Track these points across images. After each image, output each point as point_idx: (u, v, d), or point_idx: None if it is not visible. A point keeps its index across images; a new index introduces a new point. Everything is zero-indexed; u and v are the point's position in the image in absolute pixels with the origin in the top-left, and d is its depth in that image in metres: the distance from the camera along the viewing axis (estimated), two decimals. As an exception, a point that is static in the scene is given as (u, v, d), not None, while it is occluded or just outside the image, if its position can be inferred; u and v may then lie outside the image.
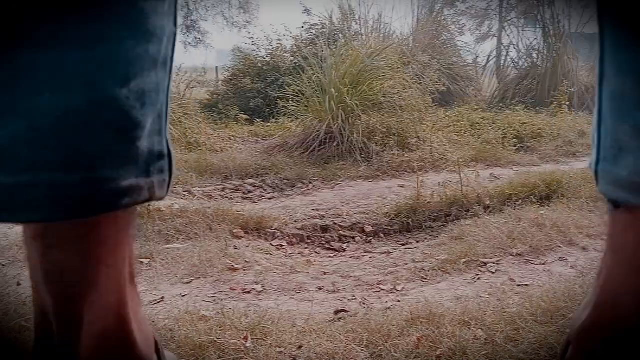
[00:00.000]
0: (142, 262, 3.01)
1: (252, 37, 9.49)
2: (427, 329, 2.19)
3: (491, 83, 11.71)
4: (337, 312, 2.45)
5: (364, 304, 2.59)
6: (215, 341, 2.03)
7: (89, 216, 0.55)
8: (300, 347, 2.09)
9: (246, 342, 2.06)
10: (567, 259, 3.07)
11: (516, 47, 11.38)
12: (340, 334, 2.18)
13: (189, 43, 12.97)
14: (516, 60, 11.24)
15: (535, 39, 11.08)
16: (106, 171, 0.55)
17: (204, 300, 2.56)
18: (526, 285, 2.70)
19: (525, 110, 8.03)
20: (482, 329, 2.19)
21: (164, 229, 3.44)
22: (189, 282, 2.80)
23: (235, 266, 3.02)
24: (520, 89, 10.19)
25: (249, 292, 2.71)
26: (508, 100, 9.54)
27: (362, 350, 2.07)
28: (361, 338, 2.14)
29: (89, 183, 0.54)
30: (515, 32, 11.69)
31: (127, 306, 0.62)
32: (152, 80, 0.58)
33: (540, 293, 2.53)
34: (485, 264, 3.02)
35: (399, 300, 2.61)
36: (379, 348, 2.09)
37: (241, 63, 9.51)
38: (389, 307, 2.49)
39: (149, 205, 3.58)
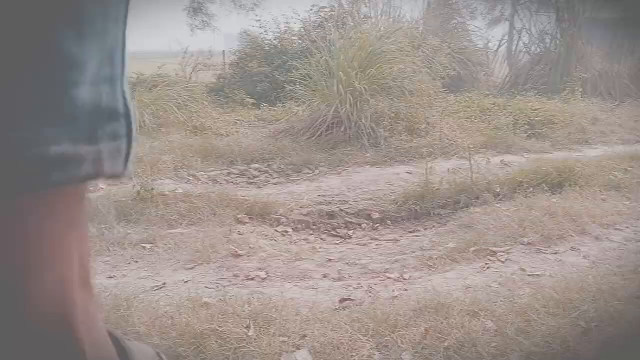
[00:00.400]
0: (144, 247, 2.96)
1: (260, 20, 9.37)
2: (435, 319, 2.13)
3: (502, 68, 11.51)
4: (342, 300, 2.39)
5: (370, 292, 2.53)
6: (217, 329, 1.98)
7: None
8: (304, 336, 2.03)
9: (248, 330, 2.01)
10: (579, 249, 2.98)
11: (528, 32, 11.15)
12: (345, 323, 2.12)
13: (196, 26, 12.79)
14: (528, 45, 11.01)
15: (549, 23, 10.82)
16: (24, 131, 0.36)
17: (206, 287, 2.51)
18: (537, 275, 2.62)
19: (537, 96, 7.86)
20: (491, 320, 2.12)
21: (167, 213, 3.39)
22: (191, 268, 2.76)
23: (239, 252, 2.97)
24: (532, 75, 9.99)
25: (252, 279, 2.66)
26: (520, 86, 9.36)
27: (367, 340, 2.01)
28: (367, 327, 2.08)
29: None
30: (528, 16, 11.43)
31: (75, 318, 0.45)
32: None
33: (552, 283, 2.45)
34: (495, 252, 2.95)
35: (406, 289, 2.54)
36: (385, 338, 2.03)
37: (248, 46, 9.38)
38: (395, 296, 2.43)
39: (152, 188, 3.53)
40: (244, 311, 2.15)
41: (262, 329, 2.02)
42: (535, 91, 8.16)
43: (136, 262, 2.80)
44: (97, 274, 2.66)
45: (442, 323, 2.08)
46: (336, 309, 2.30)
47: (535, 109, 6.89)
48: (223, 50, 10.94)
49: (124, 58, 0.45)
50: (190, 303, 2.23)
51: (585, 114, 6.99)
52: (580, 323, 2.07)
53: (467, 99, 7.51)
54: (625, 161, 4.64)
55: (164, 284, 2.54)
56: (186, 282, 2.58)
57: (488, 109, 6.99)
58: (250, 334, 1.99)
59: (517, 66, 10.87)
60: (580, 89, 8.01)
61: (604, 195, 3.86)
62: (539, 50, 10.86)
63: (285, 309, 2.20)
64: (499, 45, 11.68)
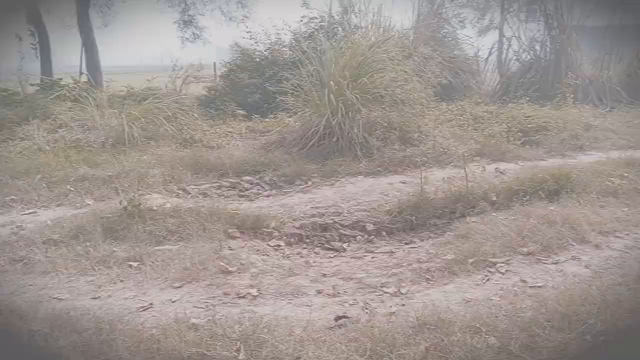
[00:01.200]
0: (130, 265, 2.84)
1: (250, 32, 9.30)
2: (435, 337, 2.03)
3: (493, 76, 11.50)
4: (337, 318, 2.29)
5: (366, 308, 2.42)
6: (206, 354, 1.87)
7: None
8: (298, 358, 1.92)
9: (239, 354, 1.90)
10: (580, 258, 2.90)
11: (518, 40, 11.16)
12: (341, 343, 2.01)
13: (186, 38, 12.75)
14: (518, 53, 11.02)
15: (538, 30, 10.84)
16: None
17: (195, 307, 2.39)
18: (539, 286, 2.53)
19: (529, 103, 7.84)
20: (494, 336, 2.03)
21: (155, 229, 3.27)
22: (180, 287, 2.64)
23: (230, 268, 2.86)
24: (523, 82, 9.98)
25: (243, 297, 2.54)
26: (511, 94, 9.33)
27: (365, 361, 1.91)
28: (364, 347, 1.98)
29: None
30: (517, 24, 11.46)
31: None
32: None
33: (555, 295, 2.36)
34: (494, 263, 2.86)
35: (403, 305, 2.44)
36: (384, 358, 1.93)
37: (239, 58, 9.31)
38: (393, 313, 2.33)
39: (139, 204, 3.41)
40: (234, 332, 2.04)
41: (254, 352, 1.91)
42: (527, 98, 8.13)
43: (122, 281, 2.68)
44: (80, 295, 2.53)
45: (443, 340, 1.98)
46: (331, 327, 2.19)
47: (528, 116, 6.85)
48: (214, 63, 10.88)
49: None
50: (178, 325, 2.12)
51: (578, 120, 6.96)
52: (587, 337, 1.98)
53: (459, 107, 7.46)
54: (621, 167, 4.58)
55: (151, 304, 2.42)
56: (174, 301, 2.46)
57: (481, 116, 6.94)
58: (240, 357, 1.88)
59: (508, 74, 10.87)
60: (572, 96, 7.99)
61: (602, 202, 3.80)
62: (529, 57, 10.87)
63: (278, 329, 2.10)
64: (489, 54, 11.67)
